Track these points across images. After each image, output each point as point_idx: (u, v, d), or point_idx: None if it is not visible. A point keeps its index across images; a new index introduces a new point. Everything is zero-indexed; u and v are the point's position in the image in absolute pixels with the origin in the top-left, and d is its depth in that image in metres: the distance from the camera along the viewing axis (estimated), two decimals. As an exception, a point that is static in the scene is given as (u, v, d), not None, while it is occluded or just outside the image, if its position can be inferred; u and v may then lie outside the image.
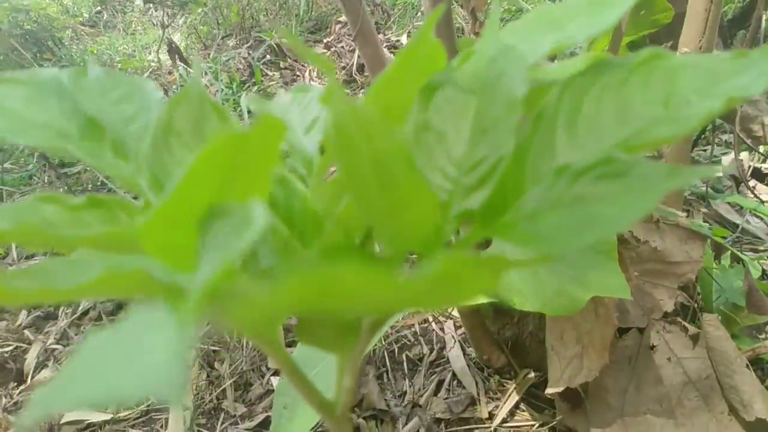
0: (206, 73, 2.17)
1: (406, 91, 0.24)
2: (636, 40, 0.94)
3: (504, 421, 0.82)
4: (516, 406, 0.83)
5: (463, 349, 0.94)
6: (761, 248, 1.05)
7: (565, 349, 0.68)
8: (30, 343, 1.15)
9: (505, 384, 0.87)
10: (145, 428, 0.93)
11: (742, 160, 1.23)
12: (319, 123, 0.33)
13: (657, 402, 0.68)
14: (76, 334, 1.15)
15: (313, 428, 0.62)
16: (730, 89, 0.20)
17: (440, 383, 0.90)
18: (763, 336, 0.80)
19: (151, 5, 2.86)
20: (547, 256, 0.18)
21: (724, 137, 1.37)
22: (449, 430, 0.82)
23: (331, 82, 0.19)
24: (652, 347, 0.71)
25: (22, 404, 1.01)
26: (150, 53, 2.70)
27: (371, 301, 0.15)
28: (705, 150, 1.32)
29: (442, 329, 1.00)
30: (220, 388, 0.96)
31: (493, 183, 0.22)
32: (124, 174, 0.28)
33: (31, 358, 1.11)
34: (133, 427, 0.93)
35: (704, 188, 1.16)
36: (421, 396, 0.88)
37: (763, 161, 1.24)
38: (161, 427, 0.93)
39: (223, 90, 1.96)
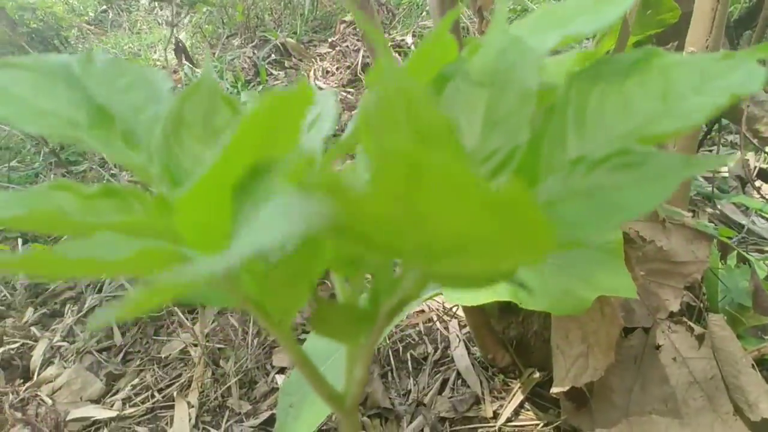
0: (211, 72, 2.17)
1: (420, 82, 0.24)
2: (642, 40, 0.94)
3: (508, 420, 0.82)
4: (520, 406, 0.83)
5: (467, 348, 0.94)
6: (767, 249, 1.05)
7: (571, 348, 0.68)
8: (36, 340, 1.16)
9: (509, 383, 0.87)
10: (150, 425, 0.93)
11: (748, 160, 1.22)
12: (324, 116, 0.33)
13: (662, 402, 0.68)
14: (81, 332, 1.16)
15: (318, 427, 0.63)
16: (723, 86, 0.21)
17: (445, 382, 0.90)
18: (768, 336, 0.80)
19: (157, 4, 2.87)
20: (574, 240, 0.18)
21: (730, 138, 1.37)
22: (453, 428, 0.82)
23: (385, 57, 0.19)
24: (658, 347, 0.71)
25: (28, 401, 1.01)
26: (155, 52, 2.71)
27: (449, 212, 0.15)
28: (711, 150, 1.32)
29: (446, 328, 1.00)
30: (225, 386, 0.96)
31: (509, 172, 0.22)
32: (136, 163, 0.27)
33: (37, 355, 1.11)
34: (138, 424, 0.94)
35: (710, 188, 1.16)
36: (426, 395, 0.88)
37: (769, 162, 1.24)
38: (166, 424, 0.93)
39: (228, 89, 1.96)
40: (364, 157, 0.26)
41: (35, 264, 0.16)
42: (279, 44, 2.29)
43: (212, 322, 1.09)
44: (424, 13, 2.30)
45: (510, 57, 0.24)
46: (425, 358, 0.95)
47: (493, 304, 0.81)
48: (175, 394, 0.97)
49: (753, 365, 0.66)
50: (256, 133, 0.19)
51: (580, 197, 0.20)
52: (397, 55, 2.04)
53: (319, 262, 0.24)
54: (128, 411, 0.96)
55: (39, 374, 1.07)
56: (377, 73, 0.20)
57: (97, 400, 1.00)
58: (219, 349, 1.04)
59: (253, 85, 2.11)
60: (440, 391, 0.88)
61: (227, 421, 0.91)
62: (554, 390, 0.68)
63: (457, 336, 0.97)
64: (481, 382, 0.88)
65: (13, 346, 1.14)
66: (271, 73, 2.19)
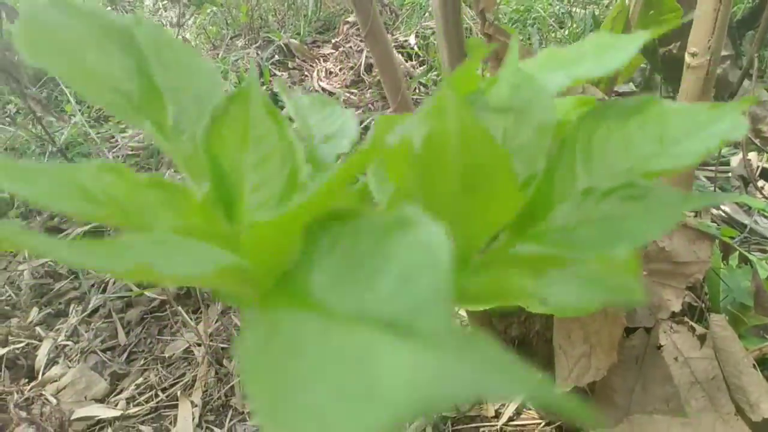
0: (215, 73, 2.18)
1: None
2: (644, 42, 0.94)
3: (510, 419, 0.82)
4: (522, 405, 0.84)
5: (470, 348, 0.94)
6: (770, 249, 1.05)
7: (573, 348, 0.68)
8: (41, 340, 1.16)
9: (512, 383, 0.87)
10: (154, 425, 0.94)
11: (750, 160, 1.22)
12: (343, 134, 0.33)
13: (664, 402, 0.68)
14: (86, 331, 1.16)
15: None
16: (710, 135, 0.24)
17: (447, 382, 0.90)
18: (771, 336, 0.80)
19: (161, 5, 2.88)
20: (586, 259, 0.21)
21: (733, 138, 1.37)
22: (455, 427, 0.82)
23: (447, 93, 0.19)
24: (660, 347, 0.71)
25: (33, 400, 1.02)
26: (159, 53, 2.71)
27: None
28: (713, 150, 1.31)
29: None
30: (229, 385, 0.97)
31: (526, 197, 0.24)
32: (184, 153, 0.26)
33: (42, 355, 1.12)
34: (142, 423, 0.94)
35: (712, 188, 1.16)
36: (428, 394, 0.88)
37: (772, 162, 1.24)
38: (170, 423, 0.94)
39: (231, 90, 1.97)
40: (375, 178, 0.27)
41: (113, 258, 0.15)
42: (282, 45, 2.29)
43: (216, 322, 1.10)
44: (427, 14, 2.31)
45: (524, 93, 0.26)
46: (428, 358, 0.95)
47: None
48: (178, 393, 0.98)
49: (754, 365, 0.66)
50: (353, 173, 0.20)
51: (593, 224, 0.22)
52: (399, 55, 2.04)
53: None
54: (132, 410, 0.96)
55: (44, 374, 1.08)
56: (438, 109, 0.20)
57: (101, 400, 1.01)
58: (222, 348, 1.04)
59: (257, 86, 2.11)
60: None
61: (231, 420, 0.91)
62: (556, 389, 0.69)
63: (460, 336, 0.97)
64: (483, 382, 0.88)
65: (18, 345, 1.15)
66: (275, 74, 2.20)
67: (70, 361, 1.10)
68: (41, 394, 1.03)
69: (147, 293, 1.20)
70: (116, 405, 0.98)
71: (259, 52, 2.30)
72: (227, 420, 0.91)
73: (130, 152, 1.89)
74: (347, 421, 0.11)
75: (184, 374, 1.02)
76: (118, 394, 1.02)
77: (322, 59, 2.27)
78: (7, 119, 2.19)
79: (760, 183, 1.19)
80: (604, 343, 0.67)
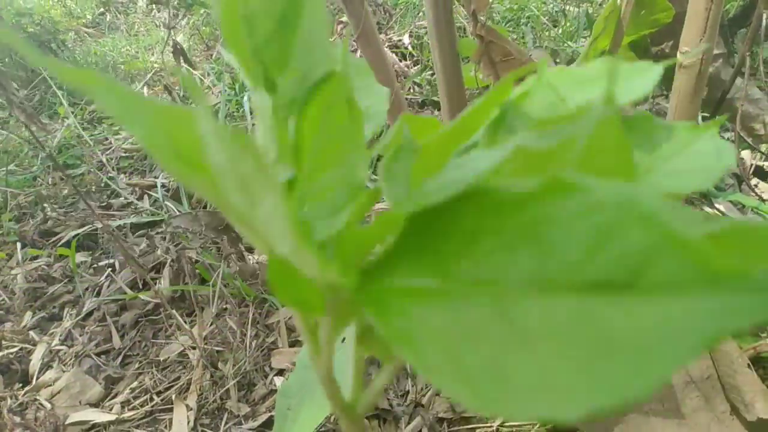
0: (209, 74, 2.18)
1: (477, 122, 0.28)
2: (637, 40, 0.95)
3: (506, 420, 0.82)
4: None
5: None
6: (763, 247, 1.05)
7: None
8: (35, 344, 1.16)
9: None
10: (149, 429, 0.94)
11: (743, 158, 1.23)
12: (369, 116, 0.31)
13: (659, 401, 0.68)
14: (80, 335, 1.16)
15: (316, 429, 0.63)
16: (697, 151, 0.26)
17: (443, 383, 0.90)
18: (765, 334, 0.80)
19: (154, 6, 2.87)
20: None
21: (726, 135, 1.37)
22: (452, 429, 0.82)
23: None
24: (654, 346, 0.71)
25: (27, 405, 1.02)
26: (153, 54, 2.71)
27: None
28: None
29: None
30: (224, 389, 0.97)
31: None
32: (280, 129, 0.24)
33: (36, 359, 1.12)
34: (137, 427, 0.94)
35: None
36: (424, 395, 0.88)
37: (765, 159, 1.24)
38: (165, 427, 0.93)
39: (225, 91, 1.96)
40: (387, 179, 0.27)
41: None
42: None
43: (210, 325, 1.10)
44: (421, 14, 2.30)
45: (559, 111, 0.28)
46: (423, 359, 0.95)
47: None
48: (173, 397, 0.97)
49: (749, 365, 0.67)
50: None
51: None
52: (393, 55, 2.04)
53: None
54: (127, 414, 0.96)
55: (38, 378, 1.08)
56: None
57: (95, 404, 1.00)
58: (217, 351, 1.04)
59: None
60: (438, 392, 0.89)
61: (226, 423, 0.91)
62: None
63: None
64: (478, 383, 0.88)
65: (11, 350, 1.14)
66: (269, 75, 2.19)
67: (64, 365, 1.10)
68: (35, 399, 1.03)
69: (141, 296, 1.20)
70: (111, 409, 0.98)
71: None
72: (222, 423, 0.91)
73: (124, 154, 1.88)
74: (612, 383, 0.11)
75: (179, 378, 1.02)
76: (113, 398, 1.01)
77: (316, 59, 2.27)
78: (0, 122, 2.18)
79: (754, 181, 1.19)
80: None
